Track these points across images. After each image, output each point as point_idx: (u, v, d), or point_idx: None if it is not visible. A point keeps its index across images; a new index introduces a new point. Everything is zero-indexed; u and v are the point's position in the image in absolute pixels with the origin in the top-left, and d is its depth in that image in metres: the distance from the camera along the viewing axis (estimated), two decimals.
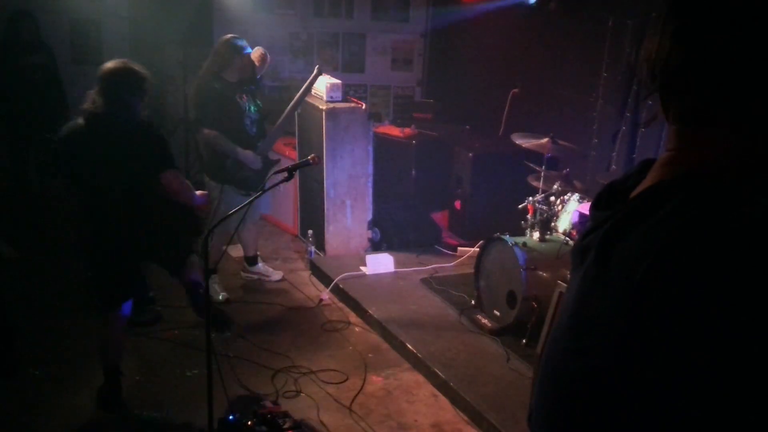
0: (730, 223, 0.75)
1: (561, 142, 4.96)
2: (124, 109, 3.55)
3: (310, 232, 6.00)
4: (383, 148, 6.56)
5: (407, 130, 7.01)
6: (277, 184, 3.62)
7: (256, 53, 5.24)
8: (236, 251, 5.83)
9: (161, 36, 7.28)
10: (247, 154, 4.98)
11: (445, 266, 5.79)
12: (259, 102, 5.18)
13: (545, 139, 4.93)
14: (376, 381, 4.21)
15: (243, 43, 5.06)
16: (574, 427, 0.88)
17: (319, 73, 5.34)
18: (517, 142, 5.09)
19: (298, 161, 4.43)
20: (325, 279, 5.55)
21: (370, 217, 6.09)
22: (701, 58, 0.81)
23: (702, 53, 0.81)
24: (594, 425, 0.85)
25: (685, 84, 0.83)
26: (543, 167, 4.97)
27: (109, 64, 3.59)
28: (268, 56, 5.35)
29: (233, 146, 4.94)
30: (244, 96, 5.06)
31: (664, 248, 0.76)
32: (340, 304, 5.24)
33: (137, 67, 3.61)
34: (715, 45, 0.80)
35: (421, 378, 4.25)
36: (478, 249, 5.07)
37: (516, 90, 6.76)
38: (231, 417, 3.44)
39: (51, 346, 4.38)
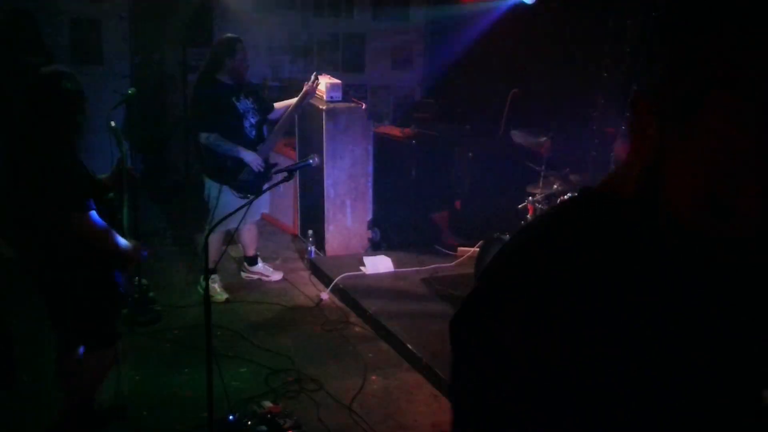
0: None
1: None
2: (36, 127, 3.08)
3: (310, 232, 6.00)
4: (383, 148, 6.56)
5: (407, 130, 7.00)
6: (276, 184, 3.63)
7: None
8: (236, 251, 5.83)
9: (161, 36, 7.28)
10: (249, 153, 4.96)
11: (445, 266, 5.78)
12: (259, 105, 5.14)
13: (545, 140, 4.92)
14: (376, 381, 4.21)
15: (237, 44, 4.91)
16: None
17: (316, 79, 5.28)
18: (515, 140, 5.09)
19: (297, 161, 4.42)
20: (325, 279, 5.54)
21: (370, 217, 6.09)
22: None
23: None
24: None
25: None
26: (543, 167, 4.97)
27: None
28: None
29: (233, 145, 4.91)
30: (242, 98, 5.03)
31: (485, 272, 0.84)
32: (340, 304, 5.24)
33: (66, 78, 3.09)
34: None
35: (421, 378, 4.25)
36: (478, 249, 5.07)
37: (516, 90, 6.76)
38: (231, 417, 3.45)
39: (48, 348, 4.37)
